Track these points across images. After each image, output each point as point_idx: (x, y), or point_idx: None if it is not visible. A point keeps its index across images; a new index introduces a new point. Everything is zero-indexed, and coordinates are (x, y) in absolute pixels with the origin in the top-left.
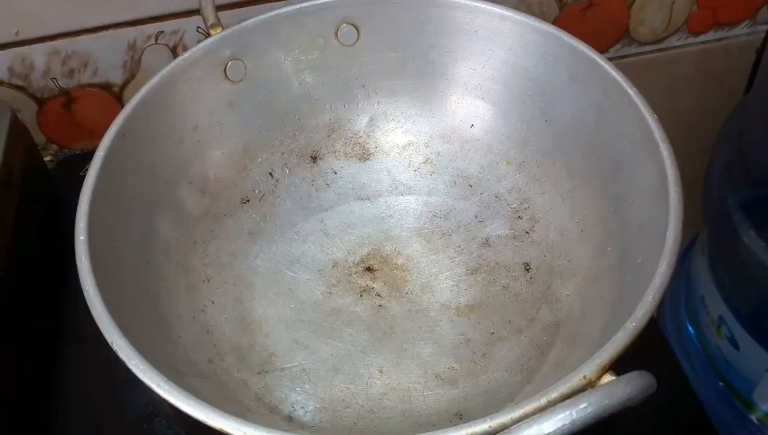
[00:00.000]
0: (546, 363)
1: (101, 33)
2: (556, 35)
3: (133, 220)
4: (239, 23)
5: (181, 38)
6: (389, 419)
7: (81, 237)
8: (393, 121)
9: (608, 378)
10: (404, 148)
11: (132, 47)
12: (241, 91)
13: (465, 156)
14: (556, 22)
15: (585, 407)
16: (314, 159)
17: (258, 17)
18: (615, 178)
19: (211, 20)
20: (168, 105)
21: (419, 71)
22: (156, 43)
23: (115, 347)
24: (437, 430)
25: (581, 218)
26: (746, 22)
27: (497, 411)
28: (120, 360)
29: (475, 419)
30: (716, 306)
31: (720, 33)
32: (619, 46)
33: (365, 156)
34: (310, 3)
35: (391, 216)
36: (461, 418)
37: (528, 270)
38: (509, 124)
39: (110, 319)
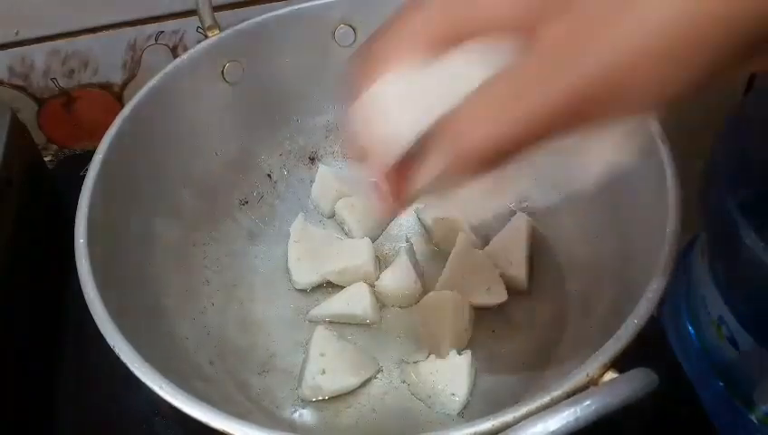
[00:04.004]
0: (548, 362)
1: (101, 33)
2: None
3: (132, 222)
4: (237, 23)
5: (181, 38)
6: (391, 418)
7: (81, 240)
8: None
9: (610, 375)
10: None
11: (132, 47)
12: (238, 92)
13: None
14: None
15: (589, 404)
16: (313, 159)
17: (255, 19)
18: (613, 176)
19: (208, 22)
20: (167, 107)
21: None
22: (156, 43)
23: (117, 350)
24: (440, 429)
25: (582, 217)
26: None
27: (499, 410)
28: (122, 362)
29: (477, 418)
30: (716, 306)
31: None
32: None
33: (364, 157)
34: (306, 4)
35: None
36: (463, 417)
37: (528, 268)
38: None
39: (112, 322)
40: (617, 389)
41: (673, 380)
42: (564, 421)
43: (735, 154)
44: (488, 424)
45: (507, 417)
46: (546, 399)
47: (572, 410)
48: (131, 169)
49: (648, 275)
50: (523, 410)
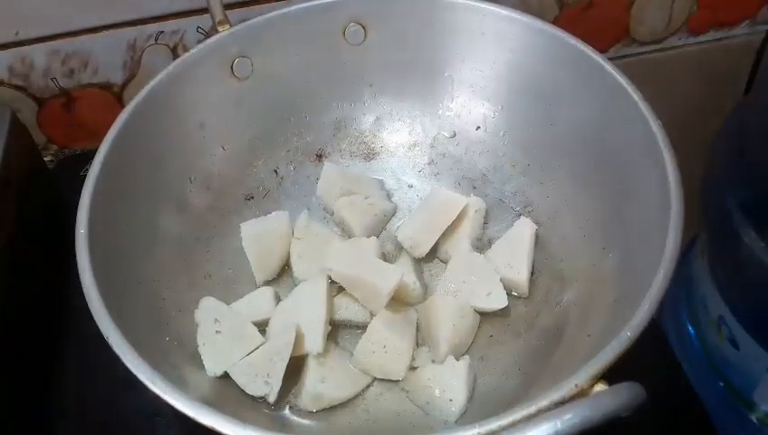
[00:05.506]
0: (544, 368)
1: (101, 33)
2: (563, 39)
3: (135, 214)
4: (246, 20)
5: (181, 38)
6: (384, 419)
7: (82, 230)
8: (399, 122)
9: (600, 387)
10: (409, 148)
11: (132, 47)
12: (247, 88)
13: (471, 158)
14: (556, 22)
15: (570, 417)
16: (320, 157)
17: (266, 15)
18: (618, 184)
19: (219, 17)
20: (175, 101)
21: (426, 71)
22: (156, 43)
23: (110, 341)
24: (429, 432)
25: (584, 223)
26: (746, 22)
27: (489, 416)
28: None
29: (471, 422)
30: (716, 306)
31: (720, 33)
32: (619, 46)
33: (370, 155)
34: (318, 2)
35: (395, 215)
36: (456, 421)
37: (530, 274)
38: (515, 127)
39: (108, 315)
40: (600, 403)
41: (673, 380)
42: (544, 434)
43: (735, 154)
44: (473, 431)
45: (492, 425)
46: (532, 409)
47: (552, 423)
48: (136, 163)
49: (647, 285)
50: (509, 419)
